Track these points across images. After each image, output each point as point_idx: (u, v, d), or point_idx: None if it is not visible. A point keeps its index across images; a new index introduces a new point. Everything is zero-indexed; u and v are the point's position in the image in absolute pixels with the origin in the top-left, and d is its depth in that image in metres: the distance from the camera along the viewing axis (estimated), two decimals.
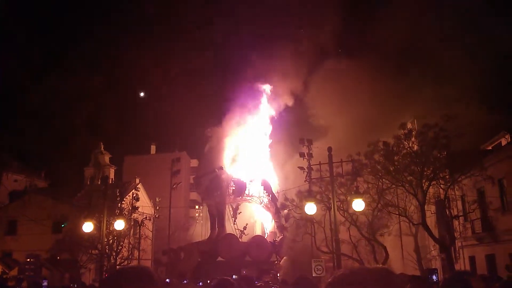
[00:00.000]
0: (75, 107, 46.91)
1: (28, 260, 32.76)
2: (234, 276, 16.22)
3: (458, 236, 24.86)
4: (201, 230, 43.15)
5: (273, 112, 46.78)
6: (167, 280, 16.90)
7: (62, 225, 36.23)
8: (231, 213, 41.97)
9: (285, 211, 31.66)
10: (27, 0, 64.44)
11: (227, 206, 41.24)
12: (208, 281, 25.92)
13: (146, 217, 38.27)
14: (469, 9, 34.68)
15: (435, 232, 23.87)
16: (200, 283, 21.18)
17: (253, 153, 44.53)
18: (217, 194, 40.33)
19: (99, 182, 43.59)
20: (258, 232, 42.95)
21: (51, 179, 52.75)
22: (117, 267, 29.79)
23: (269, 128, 46.80)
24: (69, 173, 49.20)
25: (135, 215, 35.17)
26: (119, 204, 32.64)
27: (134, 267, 2.35)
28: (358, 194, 18.76)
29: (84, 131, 47.25)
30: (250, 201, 42.43)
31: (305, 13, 48.35)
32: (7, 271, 32.58)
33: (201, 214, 45.91)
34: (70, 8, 79.56)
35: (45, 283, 27.24)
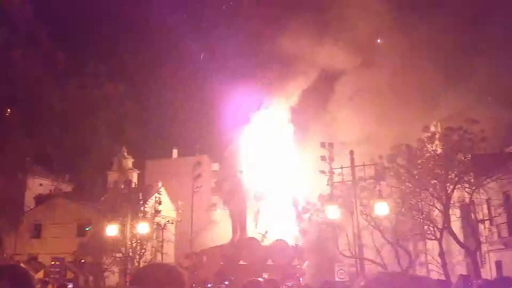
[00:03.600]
0: (98, 112, 47.51)
1: (53, 263, 33.28)
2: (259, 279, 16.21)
3: (484, 241, 24.47)
4: (223, 234, 43.22)
5: (295, 115, 46.74)
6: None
7: (87, 229, 36.75)
8: (253, 216, 41.96)
9: (307, 215, 31.51)
10: (52, 5, 65.67)
11: (248, 209, 41.25)
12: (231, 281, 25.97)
13: (168, 221, 38.54)
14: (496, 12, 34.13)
15: (460, 237, 23.51)
16: (225, 283, 21.23)
17: (274, 156, 44.52)
18: (238, 197, 40.40)
19: (122, 186, 44.11)
20: (279, 236, 42.82)
21: (75, 183, 53.51)
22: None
23: (291, 131, 46.76)
24: (92, 177, 49.84)
25: (158, 219, 35.45)
26: (142, 208, 32.95)
27: (165, 264, 2.37)
28: (381, 198, 18.63)
29: (107, 136, 47.75)
30: (272, 204, 42.38)
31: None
32: (33, 274, 33.17)
33: (223, 218, 45.98)
34: (94, 14, 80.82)
35: (70, 286, 27.63)
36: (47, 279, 31.75)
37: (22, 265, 33.62)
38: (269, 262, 36.75)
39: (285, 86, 45.44)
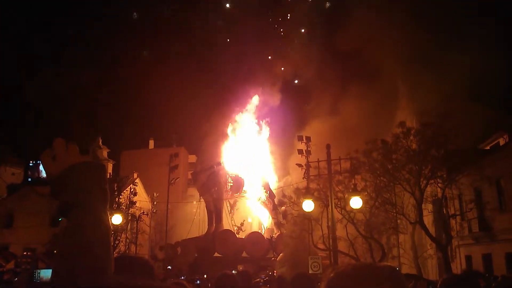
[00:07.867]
0: (72, 101, 46.82)
1: (25, 253, 32.70)
2: (233, 271, 16.21)
3: (455, 235, 24.93)
4: (198, 225, 43.16)
5: (271, 107, 46.81)
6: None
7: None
8: (229, 209, 42.00)
9: (283, 208, 31.69)
10: None
11: (224, 202, 41.27)
12: (205, 276, 26.01)
13: (143, 212, 38.27)
14: (470, 7, 34.61)
15: (432, 231, 23.92)
16: (198, 282, 21.22)
17: (251, 149, 44.56)
18: (214, 190, 40.39)
19: None
20: (255, 228, 42.99)
21: None
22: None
23: (268, 124, 46.80)
24: None
25: (132, 210, 35.16)
26: (117, 199, 32.62)
27: (135, 257, 2.33)
28: (356, 191, 18.81)
29: (82, 125, 47.03)
30: (248, 197, 42.47)
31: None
32: (3, 264, 32.55)
33: (198, 210, 45.90)
34: (67, 3, 79.29)
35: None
36: (18, 269, 31.20)
37: None
38: (244, 254, 36.90)
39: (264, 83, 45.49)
